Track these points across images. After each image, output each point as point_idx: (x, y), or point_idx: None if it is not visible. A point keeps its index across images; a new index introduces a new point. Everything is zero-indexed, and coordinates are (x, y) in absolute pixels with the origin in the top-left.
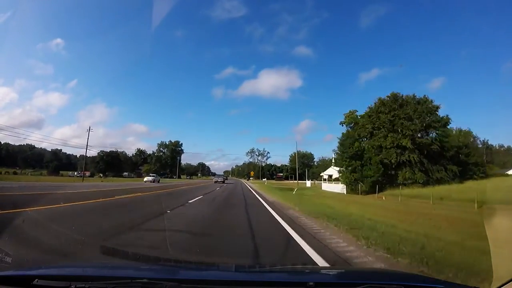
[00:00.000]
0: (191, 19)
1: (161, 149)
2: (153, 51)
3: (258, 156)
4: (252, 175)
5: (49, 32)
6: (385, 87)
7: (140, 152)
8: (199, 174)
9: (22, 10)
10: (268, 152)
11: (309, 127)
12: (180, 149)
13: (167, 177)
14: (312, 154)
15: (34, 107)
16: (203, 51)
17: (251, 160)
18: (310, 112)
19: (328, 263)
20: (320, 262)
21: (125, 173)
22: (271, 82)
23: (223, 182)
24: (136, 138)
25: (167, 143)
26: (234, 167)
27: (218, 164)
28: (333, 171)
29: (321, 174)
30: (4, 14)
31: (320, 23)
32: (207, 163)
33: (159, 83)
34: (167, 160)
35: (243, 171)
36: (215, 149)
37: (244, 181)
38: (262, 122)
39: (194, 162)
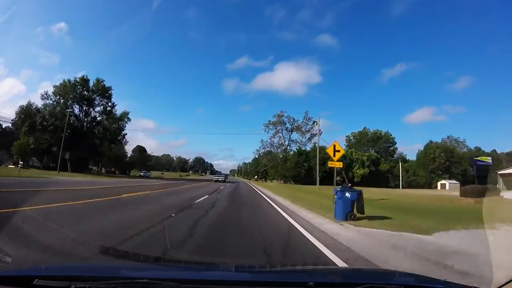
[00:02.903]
0: None
1: (54, 98)
2: (157, 38)
3: (291, 131)
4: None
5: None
6: (408, 85)
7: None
8: (191, 172)
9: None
10: (314, 123)
11: (324, 127)
12: (109, 104)
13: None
14: (392, 137)
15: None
16: (216, 37)
17: (275, 140)
18: (327, 110)
19: None
20: None
21: None
22: (288, 76)
23: (224, 181)
24: (144, 134)
25: (71, 80)
26: (241, 164)
27: (226, 164)
28: None
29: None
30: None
31: (347, 8)
32: (214, 162)
33: (166, 76)
34: (53, 122)
35: (254, 167)
36: (224, 148)
37: (255, 187)
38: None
39: (192, 157)
